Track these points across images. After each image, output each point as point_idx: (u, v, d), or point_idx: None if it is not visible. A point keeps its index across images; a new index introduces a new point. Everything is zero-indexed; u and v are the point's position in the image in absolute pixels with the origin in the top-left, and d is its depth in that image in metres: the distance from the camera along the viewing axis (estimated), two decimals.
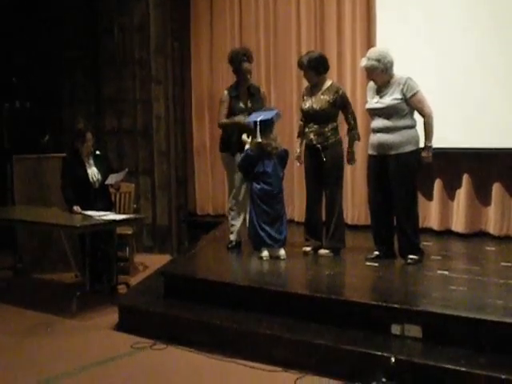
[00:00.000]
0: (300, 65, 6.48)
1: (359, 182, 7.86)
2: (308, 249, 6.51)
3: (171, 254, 8.83)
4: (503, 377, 4.01)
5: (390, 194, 5.94)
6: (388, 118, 5.88)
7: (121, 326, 5.84)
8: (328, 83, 6.48)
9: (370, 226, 6.33)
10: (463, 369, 4.14)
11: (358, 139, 6.52)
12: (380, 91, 5.98)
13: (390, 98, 5.88)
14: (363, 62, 5.95)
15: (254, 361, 4.85)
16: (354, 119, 6.49)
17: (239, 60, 6.72)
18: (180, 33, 9.29)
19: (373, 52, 6.00)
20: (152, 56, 9.06)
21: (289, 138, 8.14)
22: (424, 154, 5.89)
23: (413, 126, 5.92)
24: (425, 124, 5.86)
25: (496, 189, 7.18)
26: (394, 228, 6.07)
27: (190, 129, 9.41)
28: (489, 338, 4.37)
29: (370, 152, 6.07)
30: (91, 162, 7.07)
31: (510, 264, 6.03)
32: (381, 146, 5.92)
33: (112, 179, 7.04)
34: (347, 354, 4.49)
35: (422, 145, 5.95)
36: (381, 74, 5.91)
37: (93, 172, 7.03)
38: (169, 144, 9.15)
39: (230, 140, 6.75)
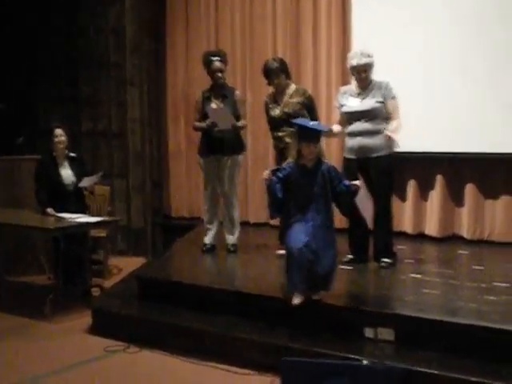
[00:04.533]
0: (269, 70, 6.43)
1: None
2: (282, 252, 6.50)
3: (146, 256, 8.80)
4: (474, 379, 4.05)
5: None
6: (370, 120, 5.91)
7: (94, 329, 5.81)
8: (293, 86, 6.53)
9: (346, 230, 6.35)
10: (435, 371, 4.17)
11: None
12: (360, 94, 6.00)
13: (374, 101, 5.91)
14: (362, 60, 5.89)
15: (228, 364, 4.85)
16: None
17: (210, 60, 6.72)
18: (155, 35, 9.28)
19: (362, 50, 5.97)
20: (127, 58, 9.02)
21: (264, 141, 8.19)
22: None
23: None
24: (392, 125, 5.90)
25: (469, 191, 7.23)
26: (370, 231, 6.10)
27: (166, 131, 9.39)
28: (461, 340, 4.41)
29: (348, 156, 6.08)
30: (66, 164, 7.04)
31: (482, 267, 6.08)
32: (361, 150, 5.94)
33: (86, 182, 7.00)
34: (321, 358, 4.51)
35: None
36: (371, 73, 5.95)
37: (67, 174, 6.99)
38: (144, 146, 9.13)
39: (200, 142, 6.78)
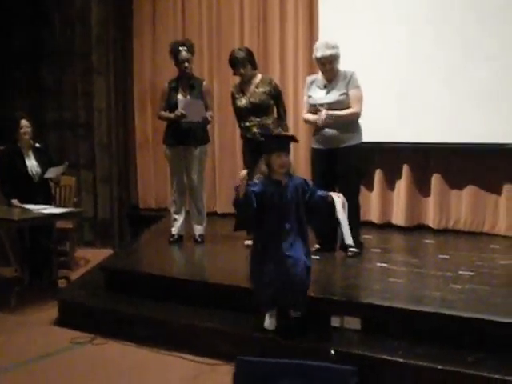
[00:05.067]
0: (235, 60, 6.41)
1: (301, 175, 7.88)
2: (249, 242, 6.51)
3: (113, 248, 8.74)
4: (440, 367, 4.09)
5: (333, 187, 5.99)
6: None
7: (61, 321, 5.77)
8: (259, 76, 6.53)
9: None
10: (401, 360, 4.21)
11: (287, 131, 6.60)
12: (327, 85, 6.00)
13: (339, 93, 5.92)
14: (327, 52, 5.86)
15: (195, 354, 4.85)
16: (285, 111, 6.61)
17: (177, 50, 6.67)
18: (122, 24, 9.19)
19: (327, 41, 5.96)
20: (93, 47, 8.93)
21: (231, 133, 8.19)
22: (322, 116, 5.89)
23: (358, 120, 6.00)
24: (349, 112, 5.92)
25: (435, 181, 7.29)
26: (336, 221, 6.12)
27: (133, 122, 9.32)
28: (426, 329, 4.45)
29: (316, 146, 6.09)
30: (31, 154, 6.98)
31: (447, 256, 6.13)
32: (329, 140, 5.95)
33: (52, 172, 6.95)
34: (288, 347, 4.52)
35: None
36: (337, 64, 5.95)
37: (32, 165, 6.93)
38: (110, 137, 9.06)
39: (165, 131, 6.76)
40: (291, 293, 4.47)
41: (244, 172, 4.47)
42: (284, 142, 4.68)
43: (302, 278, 4.49)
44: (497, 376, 3.96)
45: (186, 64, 6.65)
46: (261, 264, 4.54)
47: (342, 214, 4.68)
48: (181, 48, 6.64)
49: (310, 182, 4.80)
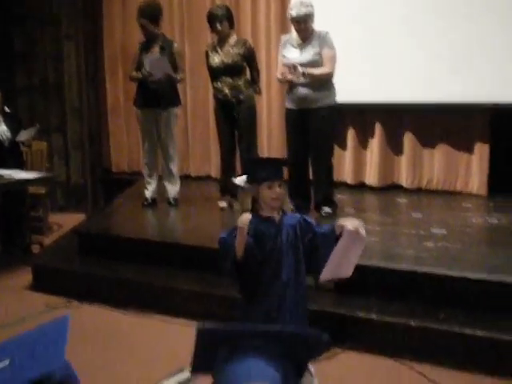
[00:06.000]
0: (214, 16, 6.33)
1: (275, 136, 7.89)
2: (223, 204, 6.52)
3: (86, 212, 8.70)
4: (413, 324, 4.15)
5: (307, 147, 5.99)
6: None
7: (35, 286, 5.76)
8: (234, 37, 6.47)
9: (287, 180, 6.37)
10: (375, 317, 4.26)
11: (259, 93, 6.57)
12: (301, 45, 5.96)
13: (312, 53, 5.88)
14: (302, 10, 5.79)
15: (168, 315, 4.87)
16: (258, 73, 6.56)
17: (137, 15, 6.60)
18: None
19: (302, 0, 5.87)
20: (63, 11, 8.79)
21: (203, 95, 8.15)
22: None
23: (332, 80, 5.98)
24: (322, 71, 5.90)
25: (407, 140, 7.30)
26: (310, 181, 6.14)
27: (104, 85, 9.23)
28: (399, 286, 4.50)
29: (290, 106, 6.07)
30: (0, 119, 6.89)
31: (420, 215, 6.18)
32: (303, 100, 5.92)
33: (23, 135, 6.89)
34: None
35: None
36: (311, 23, 5.91)
37: (2, 130, 6.85)
38: (81, 101, 8.96)
39: (136, 93, 6.70)
40: None
41: (247, 217, 3.31)
42: (277, 167, 3.54)
43: None
44: (468, 331, 4.02)
45: (144, 30, 6.58)
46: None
47: (341, 251, 3.34)
48: (139, 14, 6.55)
49: (310, 219, 3.62)
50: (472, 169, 7.11)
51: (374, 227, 5.75)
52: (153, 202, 6.85)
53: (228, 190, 6.52)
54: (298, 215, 3.63)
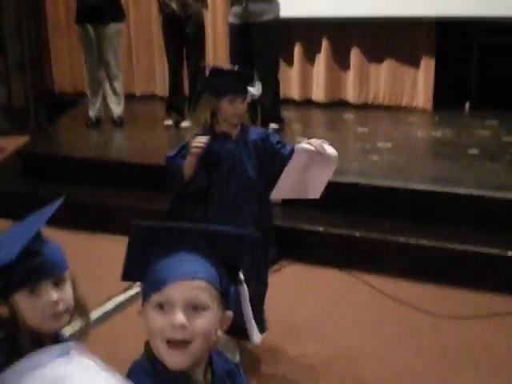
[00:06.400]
0: None
1: (221, 53, 7.77)
2: (169, 122, 6.45)
3: (29, 135, 8.52)
4: (358, 235, 4.20)
5: (252, 63, 5.92)
6: None
7: None
8: None
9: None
10: (321, 229, 4.30)
11: (206, 7, 6.44)
12: None
13: None
14: None
15: (118, 234, 4.83)
16: None
17: None
18: None
19: None
20: None
21: (146, 8, 7.96)
22: None
23: None
24: None
25: (354, 55, 7.26)
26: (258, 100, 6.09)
27: (43, 3, 8.93)
28: (345, 199, 4.53)
29: (233, 21, 5.96)
30: None
31: (366, 130, 6.21)
32: (246, 12, 5.82)
33: None
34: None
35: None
36: None
37: None
38: (20, 21, 8.66)
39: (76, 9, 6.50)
40: None
41: (202, 141, 2.98)
42: (243, 81, 3.19)
43: None
44: (412, 241, 4.10)
45: None
46: None
47: (294, 170, 3.17)
48: None
49: (274, 136, 3.27)
50: (418, 83, 7.13)
51: None
52: (97, 122, 6.73)
53: (174, 107, 6.44)
54: (261, 130, 3.36)
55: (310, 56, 7.51)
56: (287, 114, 6.60)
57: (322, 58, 7.40)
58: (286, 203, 4.63)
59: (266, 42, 5.82)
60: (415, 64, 7.10)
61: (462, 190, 4.37)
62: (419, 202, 4.40)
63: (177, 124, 6.40)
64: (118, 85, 6.64)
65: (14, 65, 8.70)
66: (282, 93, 6.58)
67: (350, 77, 7.36)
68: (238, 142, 3.13)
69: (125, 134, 6.61)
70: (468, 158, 5.15)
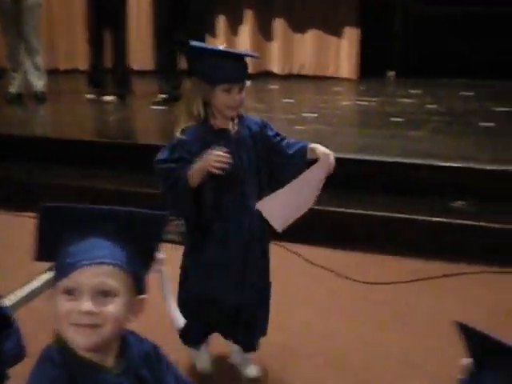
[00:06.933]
0: None
1: (144, 25, 7.65)
2: (92, 96, 6.35)
3: None
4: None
5: (176, 36, 5.86)
6: None
7: None
8: None
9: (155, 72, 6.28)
10: None
11: None
12: None
13: None
14: None
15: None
16: None
17: None
18: None
19: None
20: None
21: None
22: None
23: None
24: None
25: (278, 25, 7.25)
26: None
27: None
28: None
29: None
30: None
31: (292, 100, 6.23)
32: None
33: None
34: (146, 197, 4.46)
35: None
36: None
37: None
38: None
39: None
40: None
41: (224, 156, 2.41)
42: (241, 66, 2.56)
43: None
44: (338, 209, 4.14)
45: None
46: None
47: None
48: None
49: (273, 129, 2.74)
50: (342, 53, 7.17)
51: (248, 113, 5.73)
52: (19, 97, 6.56)
53: (96, 81, 6.35)
54: (258, 119, 2.73)
55: (233, 27, 7.47)
56: None
57: (246, 30, 7.38)
58: None
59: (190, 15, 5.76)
60: (339, 34, 7.15)
61: (387, 158, 4.42)
62: (346, 171, 4.42)
63: (99, 98, 6.31)
64: (39, 59, 6.48)
65: None
66: None
67: (275, 48, 7.36)
68: (238, 141, 2.58)
69: (47, 109, 6.49)
70: (392, 126, 5.22)
